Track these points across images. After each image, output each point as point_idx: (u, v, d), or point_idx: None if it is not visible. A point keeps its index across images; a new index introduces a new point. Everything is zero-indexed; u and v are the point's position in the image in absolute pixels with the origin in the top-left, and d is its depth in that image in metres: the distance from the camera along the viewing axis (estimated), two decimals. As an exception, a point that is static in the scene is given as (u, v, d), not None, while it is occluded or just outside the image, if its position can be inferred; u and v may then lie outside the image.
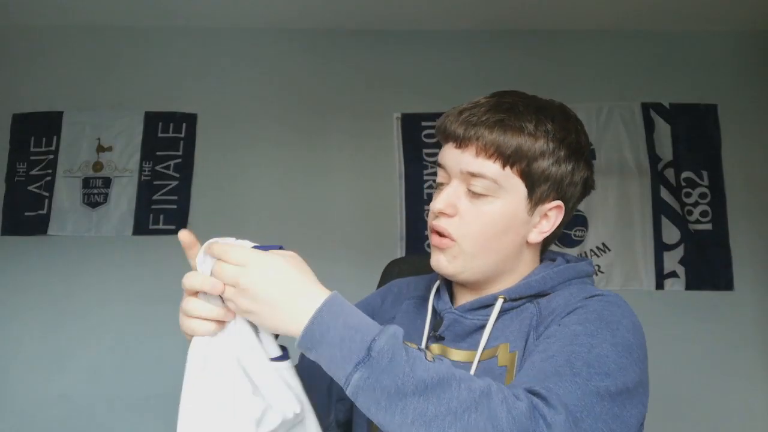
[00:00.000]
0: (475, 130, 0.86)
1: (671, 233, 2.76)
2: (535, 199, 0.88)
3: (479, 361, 0.84)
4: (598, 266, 2.74)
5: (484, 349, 0.85)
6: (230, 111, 2.85)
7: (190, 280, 0.73)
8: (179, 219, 2.76)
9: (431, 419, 0.65)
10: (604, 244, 2.76)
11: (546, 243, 0.95)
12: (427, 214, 0.89)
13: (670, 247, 2.75)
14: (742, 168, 2.78)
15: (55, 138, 2.83)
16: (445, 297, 0.93)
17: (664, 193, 2.79)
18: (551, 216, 0.90)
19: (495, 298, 0.87)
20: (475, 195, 0.86)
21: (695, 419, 2.55)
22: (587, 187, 0.94)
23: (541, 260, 0.95)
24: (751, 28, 2.83)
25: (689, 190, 2.78)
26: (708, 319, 2.65)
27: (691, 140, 2.81)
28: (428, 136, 2.85)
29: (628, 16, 2.75)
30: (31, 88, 2.86)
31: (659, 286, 2.72)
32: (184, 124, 2.84)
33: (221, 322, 0.74)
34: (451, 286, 0.96)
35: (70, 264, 2.73)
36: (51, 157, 2.82)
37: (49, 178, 2.80)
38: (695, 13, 2.72)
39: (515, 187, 0.86)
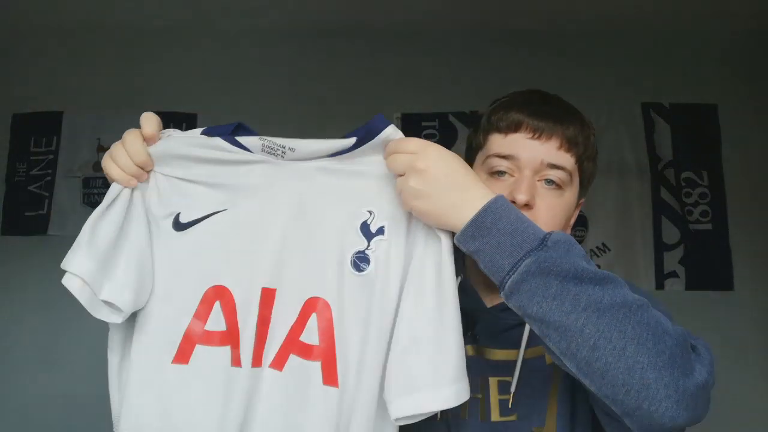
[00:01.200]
0: (560, 124, 0.87)
1: (671, 233, 2.76)
2: (581, 194, 0.92)
3: (524, 360, 0.85)
4: (598, 266, 2.74)
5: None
6: (230, 111, 2.84)
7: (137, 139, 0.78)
8: (179, 219, 2.76)
9: (606, 308, 0.64)
10: (604, 244, 2.76)
11: None
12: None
13: (670, 247, 2.75)
14: (742, 168, 2.78)
15: (55, 138, 2.83)
16: (475, 294, 0.92)
17: (664, 193, 2.78)
18: (575, 212, 0.94)
19: None
20: (547, 187, 0.87)
21: (695, 419, 2.55)
22: None
23: None
24: (751, 28, 2.83)
25: (689, 190, 2.78)
26: (708, 319, 2.64)
27: (691, 140, 2.81)
28: (428, 136, 2.84)
29: (628, 17, 2.75)
30: (31, 88, 2.86)
31: (659, 286, 2.72)
32: (184, 124, 2.83)
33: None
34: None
35: (70, 264, 2.73)
36: (51, 157, 2.82)
37: (49, 178, 2.80)
38: (695, 12, 2.72)
39: (575, 182, 0.90)
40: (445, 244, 0.74)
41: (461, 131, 2.84)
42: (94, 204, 2.77)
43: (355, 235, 0.77)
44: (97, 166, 2.81)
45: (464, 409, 0.85)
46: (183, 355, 0.77)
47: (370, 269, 0.76)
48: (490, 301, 0.92)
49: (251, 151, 0.80)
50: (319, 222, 0.78)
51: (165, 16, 2.82)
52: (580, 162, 0.89)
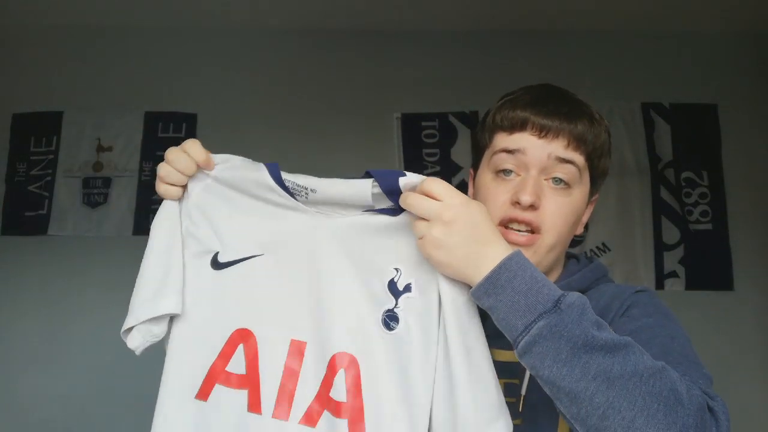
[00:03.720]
0: (567, 122, 0.85)
1: (671, 233, 2.76)
2: (593, 192, 0.90)
3: None
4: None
5: None
6: (230, 111, 2.85)
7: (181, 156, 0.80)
8: (179, 219, 2.75)
9: (616, 378, 0.63)
10: (604, 244, 2.76)
11: None
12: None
13: (670, 247, 2.75)
14: (742, 168, 2.78)
15: (55, 138, 2.83)
16: None
17: (664, 193, 2.78)
18: (589, 208, 0.92)
19: None
20: (554, 186, 0.85)
21: (695, 419, 2.54)
22: None
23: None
24: (751, 28, 2.83)
25: (689, 190, 2.78)
26: (708, 319, 2.65)
27: (691, 140, 2.81)
28: (428, 135, 2.85)
29: (628, 16, 2.75)
30: (31, 88, 2.85)
31: (659, 286, 2.72)
32: (184, 124, 2.84)
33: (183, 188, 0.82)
34: None
35: (70, 264, 2.73)
36: (51, 157, 2.82)
37: (49, 178, 2.80)
38: (695, 13, 2.72)
39: (585, 180, 0.88)
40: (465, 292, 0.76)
41: (461, 131, 2.84)
42: (94, 204, 2.77)
43: (384, 294, 0.78)
44: (98, 166, 2.81)
45: None
46: (204, 392, 0.77)
47: (399, 328, 0.76)
48: None
49: (295, 198, 0.81)
50: (351, 279, 0.79)
51: (165, 16, 2.82)
52: (590, 159, 0.87)
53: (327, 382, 0.77)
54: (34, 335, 2.66)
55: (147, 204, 2.78)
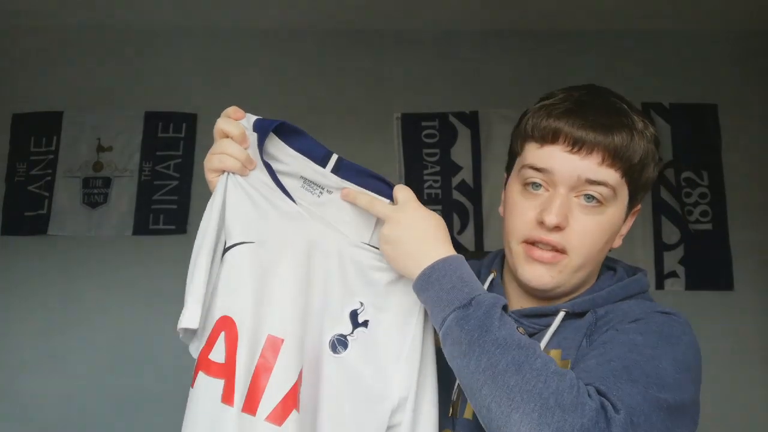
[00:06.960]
0: (603, 135, 0.78)
1: (671, 233, 2.76)
2: (632, 205, 0.85)
3: None
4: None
5: None
6: (230, 111, 2.85)
7: (228, 126, 0.83)
8: (179, 219, 2.75)
9: (500, 373, 0.66)
10: (604, 244, 2.75)
11: None
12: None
13: (670, 247, 2.75)
14: (742, 168, 2.78)
15: (55, 138, 2.83)
16: (501, 293, 0.89)
17: (664, 193, 2.78)
18: (629, 220, 0.86)
19: (557, 310, 0.83)
20: (585, 204, 0.80)
21: (695, 419, 2.54)
22: None
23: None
24: (751, 28, 2.83)
25: (689, 190, 2.78)
26: (708, 319, 2.64)
27: (691, 140, 2.81)
28: (428, 136, 2.85)
29: (628, 16, 2.75)
30: (31, 88, 2.85)
31: (659, 286, 2.72)
32: (184, 124, 2.83)
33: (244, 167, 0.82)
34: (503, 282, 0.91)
35: (70, 264, 2.73)
36: (51, 157, 2.82)
37: (49, 178, 2.80)
38: (695, 13, 2.72)
39: (623, 194, 0.82)
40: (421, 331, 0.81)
41: (461, 131, 2.84)
42: (94, 204, 2.77)
43: (341, 318, 0.82)
44: (97, 166, 2.81)
45: (470, 410, 0.82)
46: (193, 380, 0.78)
47: (345, 354, 0.81)
48: (516, 304, 0.88)
49: (290, 198, 0.83)
50: (322, 293, 0.83)
51: (164, 16, 2.82)
52: (628, 174, 0.80)
53: (296, 385, 0.78)
54: (33, 335, 2.66)
55: (147, 204, 2.78)
